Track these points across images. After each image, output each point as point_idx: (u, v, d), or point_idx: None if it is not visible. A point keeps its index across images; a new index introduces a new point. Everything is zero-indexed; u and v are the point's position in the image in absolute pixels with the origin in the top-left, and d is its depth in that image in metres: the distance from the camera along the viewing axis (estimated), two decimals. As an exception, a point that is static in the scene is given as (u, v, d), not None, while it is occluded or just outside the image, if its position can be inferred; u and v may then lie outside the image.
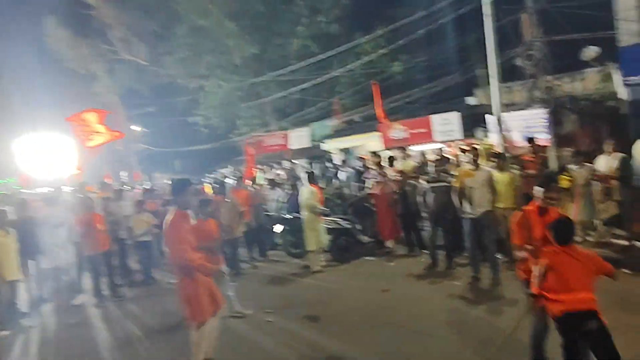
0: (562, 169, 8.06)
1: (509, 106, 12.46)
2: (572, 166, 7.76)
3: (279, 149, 18.88)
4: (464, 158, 8.92)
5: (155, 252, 9.70)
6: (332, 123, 18.73)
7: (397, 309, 6.20)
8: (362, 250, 9.32)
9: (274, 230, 10.14)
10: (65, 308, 7.90)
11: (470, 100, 15.86)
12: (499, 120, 10.10)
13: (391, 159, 10.13)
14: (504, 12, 11.34)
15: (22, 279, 7.58)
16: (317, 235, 8.53)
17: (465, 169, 7.14)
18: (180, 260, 4.38)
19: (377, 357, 4.79)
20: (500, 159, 7.50)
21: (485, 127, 11.73)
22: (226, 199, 9.48)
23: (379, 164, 9.86)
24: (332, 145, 17.29)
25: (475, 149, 7.07)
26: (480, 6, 10.47)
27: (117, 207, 9.54)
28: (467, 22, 14.83)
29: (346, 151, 16.74)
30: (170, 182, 5.18)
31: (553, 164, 9.14)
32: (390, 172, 9.47)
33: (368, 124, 16.45)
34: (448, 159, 9.85)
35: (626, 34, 10.10)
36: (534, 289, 3.51)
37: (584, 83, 13.96)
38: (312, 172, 9.88)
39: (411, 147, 12.82)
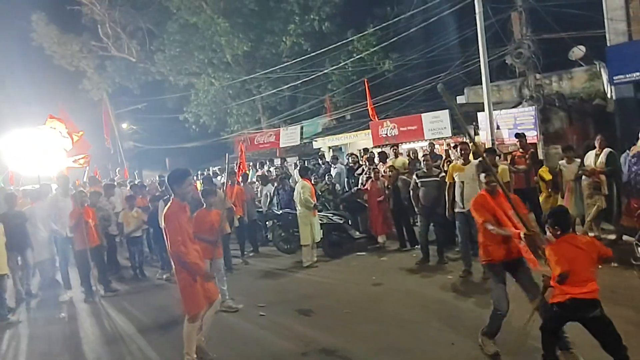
0: (541, 163, 8.20)
1: (497, 104, 12.62)
2: (561, 162, 7.86)
3: (270, 146, 18.85)
4: (454, 154, 9.02)
5: (145, 248, 9.63)
6: (323, 121, 18.76)
7: (388, 302, 6.22)
8: (353, 246, 9.34)
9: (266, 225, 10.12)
10: (52, 303, 7.80)
11: (460, 99, 16.01)
12: (490, 117, 10.20)
13: (383, 155, 10.16)
14: (493, 11, 11.47)
15: (9, 273, 7.47)
16: (311, 229, 8.54)
17: (456, 164, 7.20)
18: (176, 252, 4.35)
19: (368, 350, 4.80)
20: (491, 154, 7.57)
21: (474, 125, 11.85)
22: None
23: (371, 160, 9.89)
24: (322, 143, 17.31)
25: (466, 143, 7.11)
26: (471, 5, 10.57)
27: (107, 203, 9.47)
28: (457, 22, 14.97)
29: (337, 149, 16.79)
30: (166, 175, 5.03)
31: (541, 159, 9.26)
32: (382, 168, 9.51)
33: (359, 122, 16.50)
34: (440, 155, 9.94)
35: (613, 33, 10.26)
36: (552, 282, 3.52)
37: (571, 82, 14.19)
38: (305, 166, 9.89)
39: (402, 145, 12.91)
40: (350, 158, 12.00)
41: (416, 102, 16.32)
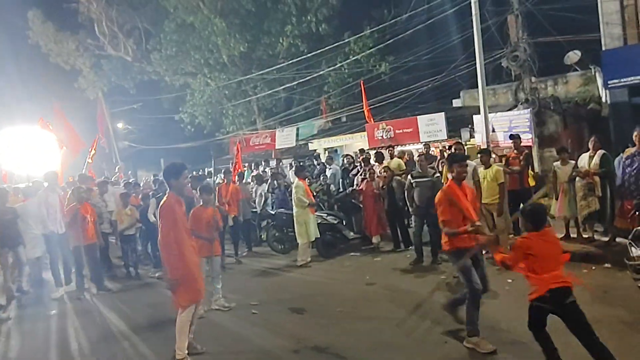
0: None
1: (493, 107, 12.65)
2: (556, 163, 7.88)
3: (265, 148, 18.81)
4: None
5: (138, 246, 9.56)
6: (318, 123, 18.76)
7: (381, 301, 6.20)
8: (347, 246, 9.32)
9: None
10: (43, 300, 7.73)
11: (456, 102, 16.07)
12: (485, 119, 10.21)
13: (379, 156, 10.15)
14: (490, 14, 11.52)
15: (0, 270, 7.40)
16: (306, 228, 8.51)
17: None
18: (167, 245, 4.30)
19: (361, 347, 4.77)
20: (485, 155, 7.58)
21: (470, 128, 11.89)
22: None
23: (366, 161, 9.88)
24: (318, 145, 17.30)
25: (460, 143, 7.13)
26: (467, 8, 10.59)
27: (100, 200, 9.40)
28: (453, 25, 15.02)
29: (332, 151, 16.78)
30: (162, 171, 4.95)
31: (535, 162, 9.28)
32: (377, 169, 9.50)
33: (354, 124, 16.51)
34: (435, 157, 9.94)
35: (609, 38, 10.32)
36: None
37: (566, 86, 14.27)
38: (301, 165, 9.87)
39: (398, 147, 12.91)
40: (345, 159, 11.99)
41: (412, 104, 16.36)
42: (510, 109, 12.00)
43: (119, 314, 6.77)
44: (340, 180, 11.07)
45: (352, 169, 10.87)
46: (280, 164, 15.11)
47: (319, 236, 8.73)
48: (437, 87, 16.23)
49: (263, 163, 15.25)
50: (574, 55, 13.50)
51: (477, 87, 11.01)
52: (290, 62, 18.73)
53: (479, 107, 11.11)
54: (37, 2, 21.86)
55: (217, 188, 9.57)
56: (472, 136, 12.17)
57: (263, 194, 10.65)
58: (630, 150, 6.89)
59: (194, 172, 16.62)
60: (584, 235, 7.59)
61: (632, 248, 5.67)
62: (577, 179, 7.41)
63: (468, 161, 6.97)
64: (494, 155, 8.46)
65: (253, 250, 10.28)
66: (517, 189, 7.88)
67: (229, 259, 9.43)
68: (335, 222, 9.29)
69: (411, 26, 15.21)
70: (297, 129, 17.72)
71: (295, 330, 5.39)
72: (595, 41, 10.87)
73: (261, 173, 12.36)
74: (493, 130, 11.21)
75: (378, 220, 9.22)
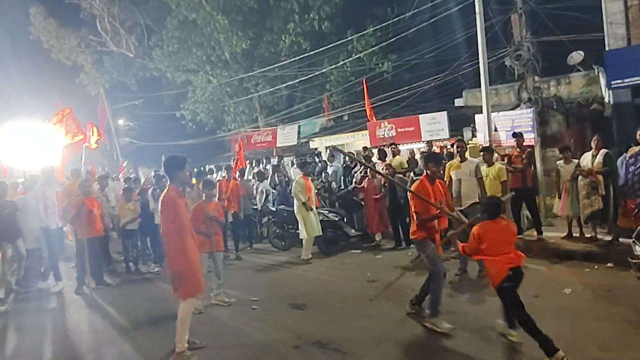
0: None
1: (495, 107, 12.61)
2: (559, 162, 7.84)
3: (266, 146, 18.76)
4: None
5: (139, 241, 9.52)
6: (320, 121, 18.70)
7: (382, 298, 6.17)
8: (349, 244, 9.29)
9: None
10: (42, 294, 7.70)
11: (458, 102, 16.02)
12: (488, 118, 10.17)
13: (382, 153, 10.11)
14: (493, 13, 11.48)
15: None
16: (310, 225, 8.48)
17: (453, 162, 7.17)
18: (169, 236, 4.27)
19: (361, 343, 4.74)
20: (488, 153, 7.55)
21: (472, 128, 11.83)
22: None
23: (368, 159, 9.85)
24: (320, 143, 17.25)
25: (462, 141, 7.09)
26: (471, 7, 10.56)
27: (100, 195, 9.36)
28: (456, 23, 14.99)
29: (334, 148, 16.71)
30: (164, 161, 4.83)
31: (538, 161, 9.25)
32: (380, 166, 9.47)
33: (356, 122, 16.47)
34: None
35: (612, 38, 10.27)
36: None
37: (569, 87, 14.23)
38: (305, 161, 9.84)
39: (400, 146, 12.86)
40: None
41: (414, 103, 16.32)
42: (512, 109, 11.94)
43: (118, 308, 6.73)
44: (342, 177, 11.03)
45: (353, 166, 10.83)
46: (282, 161, 15.07)
47: (321, 234, 8.70)
48: (440, 86, 16.20)
49: (264, 160, 15.21)
50: (577, 56, 13.47)
51: (479, 86, 10.97)
52: (293, 59, 18.69)
53: (481, 106, 11.08)
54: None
55: (217, 184, 9.55)
56: (474, 135, 12.11)
57: (264, 190, 10.62)
58: (634, 149, 6.86)
59: (195, 169, 16.64)
60: (587, 235, 7.55)
61: (636, 247, 5.64)
62: (580, 177, 7.38)
63: (471, 158, 7.00)
64: (496, 155, 8.42)
65: (254, 247, 10.25)
66: (519, 187, 7.84)
67: (229, 254, 9.39)
68: (337, 219, 9.26)
69: (414, 25, 15.16)
70: (299, 127, 17.65)
71: (295, 326, 5.36)
72: (599, 41, 10.83)
73: (262, 170, 12.34)
74: (495, 130, 11.17)
75: (379, 218, 9.19)
